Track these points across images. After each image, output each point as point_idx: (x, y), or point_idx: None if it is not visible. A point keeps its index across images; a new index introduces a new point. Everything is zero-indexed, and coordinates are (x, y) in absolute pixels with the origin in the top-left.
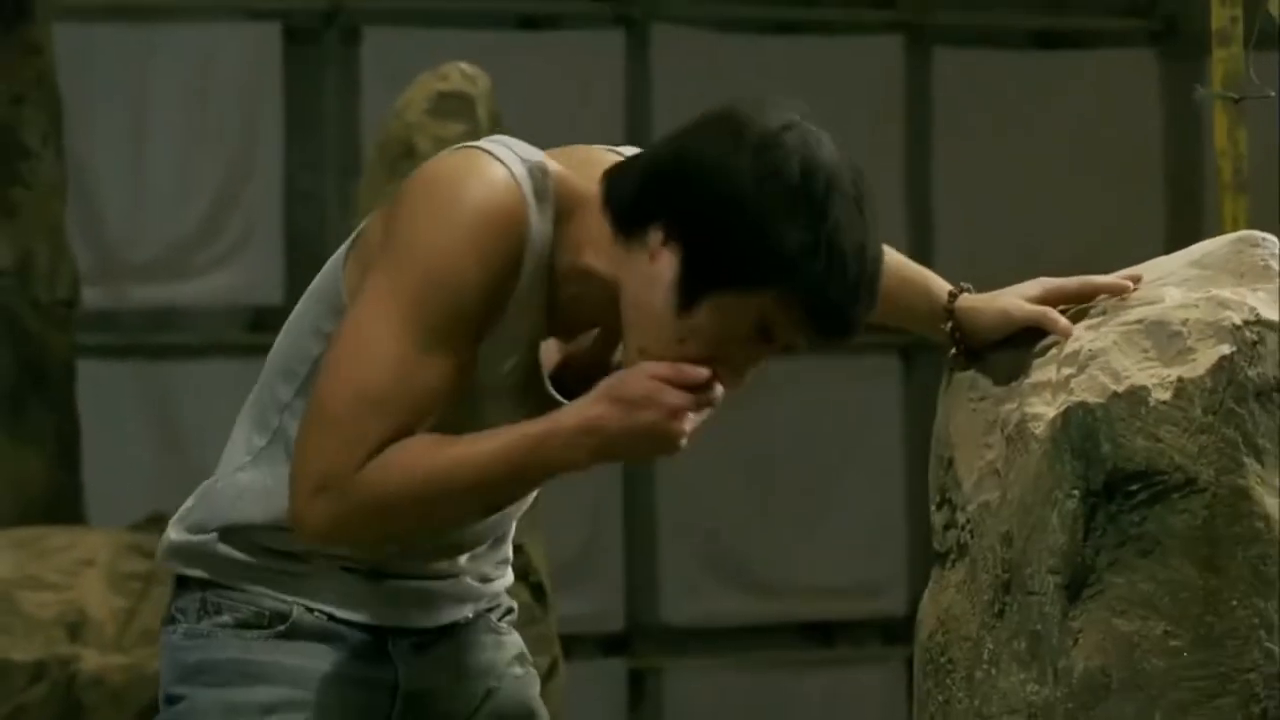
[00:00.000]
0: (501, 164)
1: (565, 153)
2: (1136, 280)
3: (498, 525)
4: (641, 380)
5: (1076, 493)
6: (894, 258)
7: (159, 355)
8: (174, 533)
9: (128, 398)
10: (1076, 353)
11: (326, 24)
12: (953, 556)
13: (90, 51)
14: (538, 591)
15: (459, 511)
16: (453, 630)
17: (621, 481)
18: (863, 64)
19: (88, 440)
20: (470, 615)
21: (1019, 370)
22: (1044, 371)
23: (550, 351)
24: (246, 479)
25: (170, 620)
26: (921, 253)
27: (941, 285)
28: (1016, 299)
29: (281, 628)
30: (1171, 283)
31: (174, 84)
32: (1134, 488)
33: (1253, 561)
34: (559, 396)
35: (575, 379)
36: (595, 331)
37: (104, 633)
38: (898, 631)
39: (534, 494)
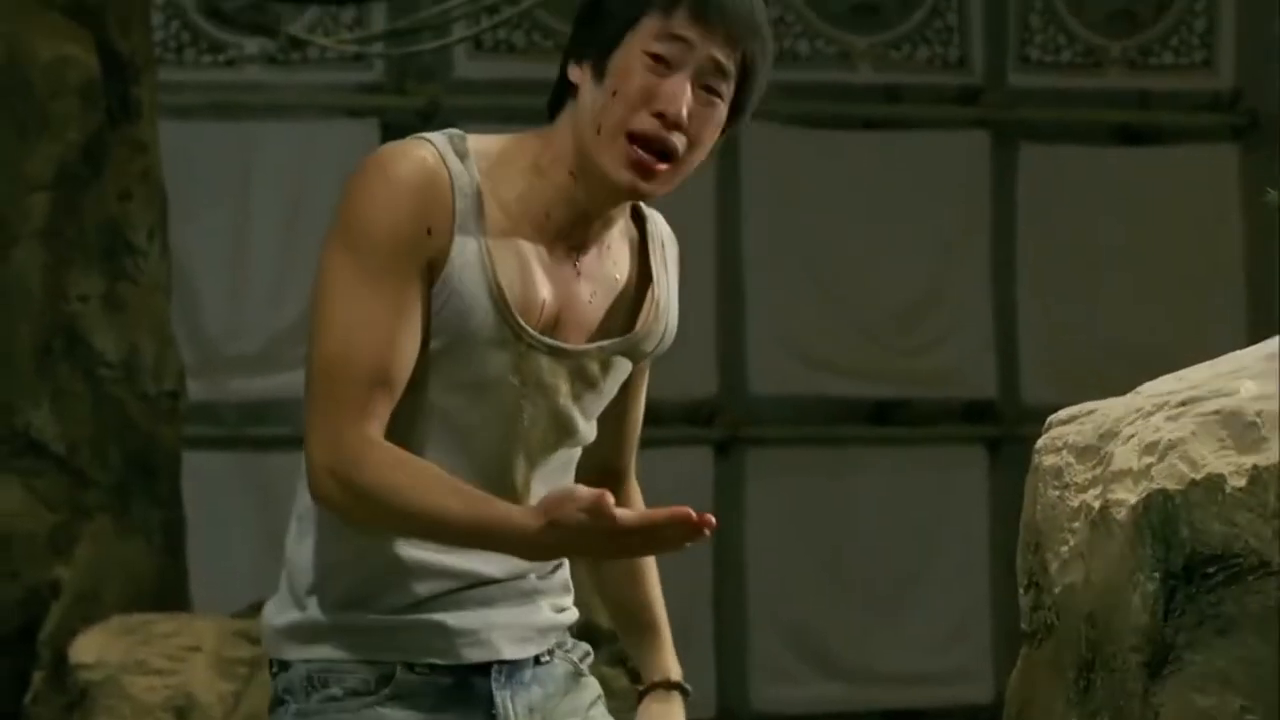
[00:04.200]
0: (423, 139)
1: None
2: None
3: None
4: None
5: (1157, 575)
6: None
7: (259, 446)
8: (275, 619)
9: (230, 488)
10: (1157, 442)
11: (424, 122)
12: (1040, 636)
13: (193, 149)
14: (635, 677)
15: (419, 534)
16: (540, 669)
17: (712, 570)
18: (948, 159)
19: (192, 529)
20: (552, 647)
21: (1102, 458)
22: (1126, 460)
23: (545, 297)
24: (309, 542)
25: (279, 703)
26: (1005, 345)
27: (664, 663)
28: None
29: (387, 690)
30: (1247, 375)
31: (274, 180)
32: (1211, 570)
33: None
34: (547, 339)
35: (570, 326)
36: (592, 288)
37: (211, 716)
38: (983, 719)
39: None
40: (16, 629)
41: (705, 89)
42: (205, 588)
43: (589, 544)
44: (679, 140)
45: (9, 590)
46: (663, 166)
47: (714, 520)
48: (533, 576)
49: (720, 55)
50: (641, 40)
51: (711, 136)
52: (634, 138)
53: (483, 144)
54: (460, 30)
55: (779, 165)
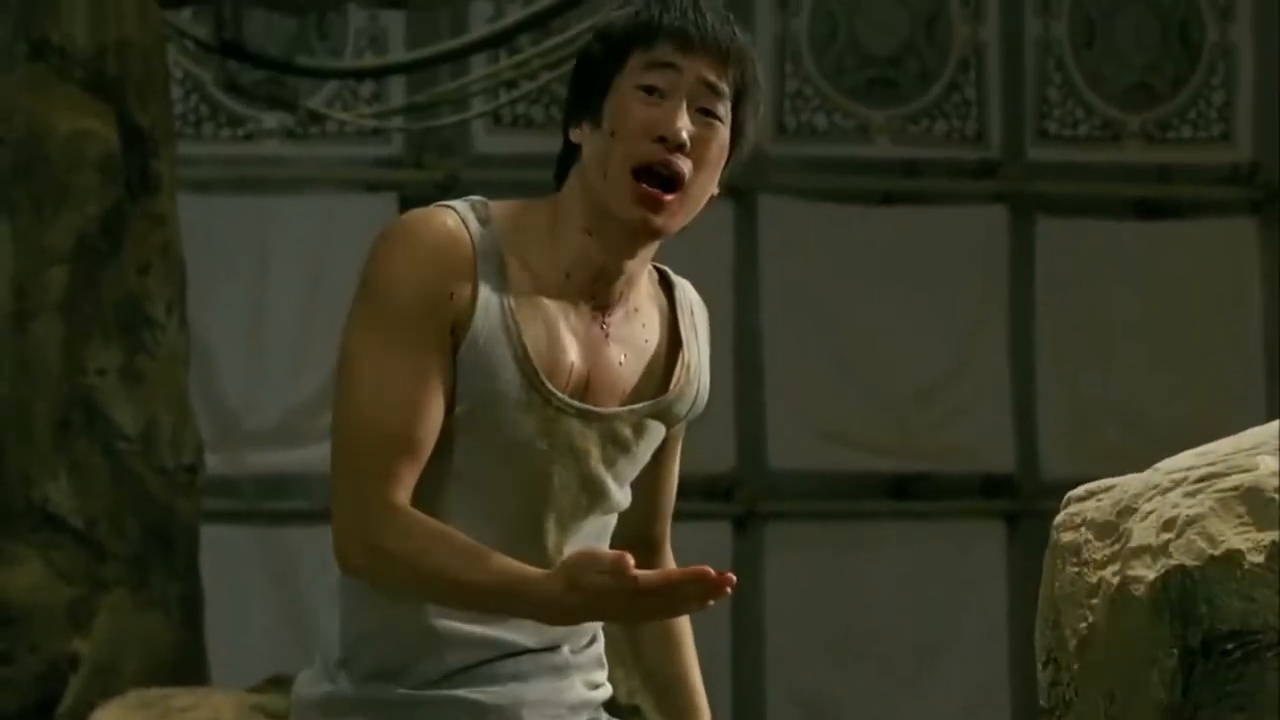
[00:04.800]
0: (445, 205)
1: None
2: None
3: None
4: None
5: (1175, 651)
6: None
7: (278, 520)
8: (306, 691)
9: (248, 561)
10: (1175, 518)
11: (443, 196)
12: (1058, 712)
13: (212, 222)
14: None
15: (445, 600)
16: None
17: (730, 643)
18: (966, 234)
19: (210, 603)
20: None
21: (1120, 535)
22: (1144, 536)
23: (573, 360)
24: (341, 614)
25: None
26: (1023, 419)
27: None
28: None
29: None
30: (1266, 451)
31: (292, 254)
32: (1230, 646)
33: None
34: (576, 403)
35: (602, 389)
36: (622, 351)
37: None
38: None
39: None
40: (35, 702)
41: (702, 111)
42: (223, 661)
43: (611, 606)
44: (684, 164)
45: (27, 664)
46: (670, 197)
47: (734, 578)
48: (566, 650)
49: (710, 75)
50: (630, 78)
51: (716, 159)
52: (639, 172)
53: (504, 209)
54: (479, 105)
55: (796, 239)
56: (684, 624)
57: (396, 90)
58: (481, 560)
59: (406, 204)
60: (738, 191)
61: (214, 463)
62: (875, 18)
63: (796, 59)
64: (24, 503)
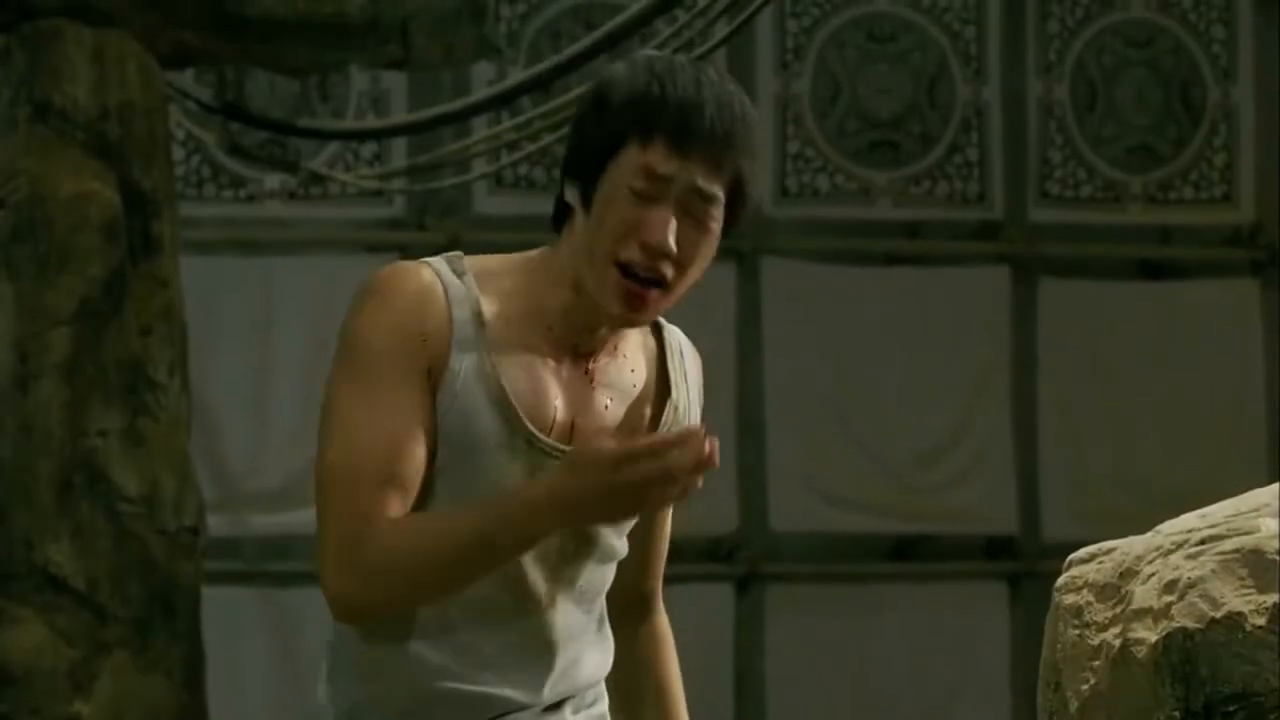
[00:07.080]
0: (420, 260)
1: None
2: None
3: (568, 647)
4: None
5: (1178, 714)
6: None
7: (279, 582)
8: None
9: (250, 623)
10: (1177, 580)
11: None
12: None
13: (214, 284)
14: None
15: (456, 576)
16: None
17: (733, 705)
18: (968, 295)
19: (211, 664)
20: None
21: (1122, 597)
22: (1146, 598)
23: (557, 404)
24: (336, 684)
25: None
26: (1027, 481)
27: None
28: None
29: None
30: (1267, 513)
31: (294, 315)
32: (1232, 709)
33: None
34: (562, 446)
35: (588, 433)
36: (608, 395)
37: None
38: None
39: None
40: None
41: (692, 216)
42: None
43: (600, 474)
44: (667, 269)
45: None
46: (654, 293)
47: (716, 446)
48: (568, 711)
49: (703, 183)
50: (622, 174)
51: (704, 258)
52: (623, 268)
53: (482, 262)
54: (480, 166)
55: (799, 301)
56: (679, 701)
57: (398, 152)
58: (464, 517)
59: None
60: (740, 254)
61: (216, 524)
62: (877, 80)
63: (798, 121)
64: (26, 565)
